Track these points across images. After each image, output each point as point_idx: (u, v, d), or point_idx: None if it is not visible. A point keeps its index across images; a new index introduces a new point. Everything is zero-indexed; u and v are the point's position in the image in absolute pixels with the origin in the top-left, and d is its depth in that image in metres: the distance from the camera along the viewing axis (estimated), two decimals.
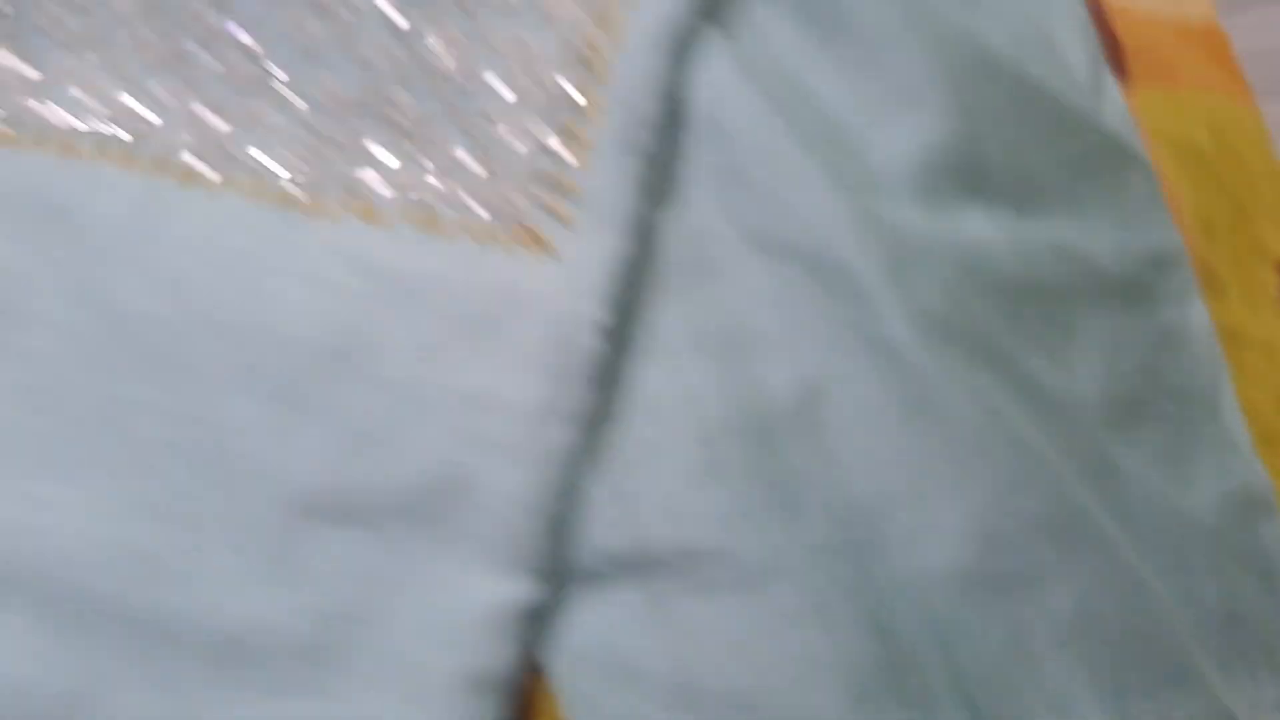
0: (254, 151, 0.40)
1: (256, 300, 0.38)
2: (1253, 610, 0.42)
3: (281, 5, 0.43)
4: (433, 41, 0.42)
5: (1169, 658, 0.39)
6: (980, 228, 0.45)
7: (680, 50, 0.43)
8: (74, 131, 0.41)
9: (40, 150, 0.41)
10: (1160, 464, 0.44)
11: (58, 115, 0.41)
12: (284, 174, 0.40)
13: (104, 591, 0.36)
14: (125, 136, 0.40)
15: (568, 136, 0.41)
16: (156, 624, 0.35)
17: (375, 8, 0.42)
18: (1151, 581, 0.40)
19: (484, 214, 0.40)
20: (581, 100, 0.41)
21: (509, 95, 0.41)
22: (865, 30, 0.46)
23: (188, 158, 0.41)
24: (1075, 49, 0.52)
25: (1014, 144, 0.48)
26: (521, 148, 0.41)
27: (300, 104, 0.41)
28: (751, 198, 0.42)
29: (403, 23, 0.42)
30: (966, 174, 0.45)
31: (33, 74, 0.41)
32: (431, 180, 0.40)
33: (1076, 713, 0.37)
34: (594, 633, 0.37)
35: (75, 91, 0.41)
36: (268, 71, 0.42)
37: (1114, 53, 0.57)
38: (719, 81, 0.43)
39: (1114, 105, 0.52)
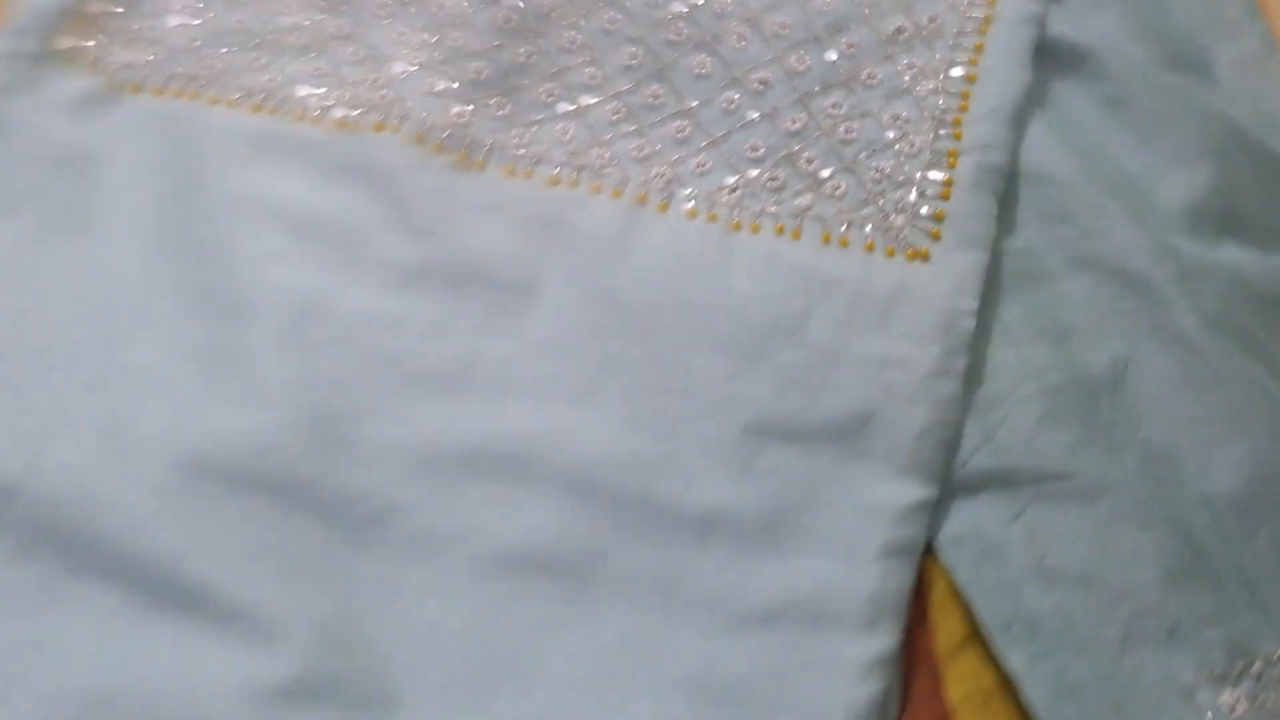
0: (691, 190, 0.55)
1: (713, 288, 0.52)
2: None
3: (717, 82, 0.58)
4: (829, 105, 0.57)
5: None
6: (1237, 257, 0.57)
7: (1014, 117, 0.56)
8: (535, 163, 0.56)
9: (485, 173, 0.56)
10: None
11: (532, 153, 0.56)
12: (719, 204, 0.55)
13: (613, 480, 0.49)
14: (598, 177, 0.56)
15: (939, 181, 0.55)
16: (650, 504, 0.48)
17: (785, 81, 0.57)
18: None
19: (871, 233, 0.54)
20: (949, 149, 0.55)
21: (892, 144, 0.55)
22: (1145, 109, 0.59)
23: (649, 193, 0.55)
24: None
25: (1258, 198, 0.60)
26: (901, 185, 0.55)
27: (734, 154, 0.56)
28: (1069, 228, 0.55)
29: (800, 93, 0.57)
30: (1224, 218, 0.58)
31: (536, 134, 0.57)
32: (830, 208, 0.55)
33: None
34: (969, 525, 0.49)
35: (558, 153, 0.57)
36: (708, 134, 0.57)
37: None
38: (1041, 143, 0.57)
39: None
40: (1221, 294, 0.55)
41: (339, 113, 0.57)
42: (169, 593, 0.45)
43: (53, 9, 0.58)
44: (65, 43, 0.58)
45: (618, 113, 0.57)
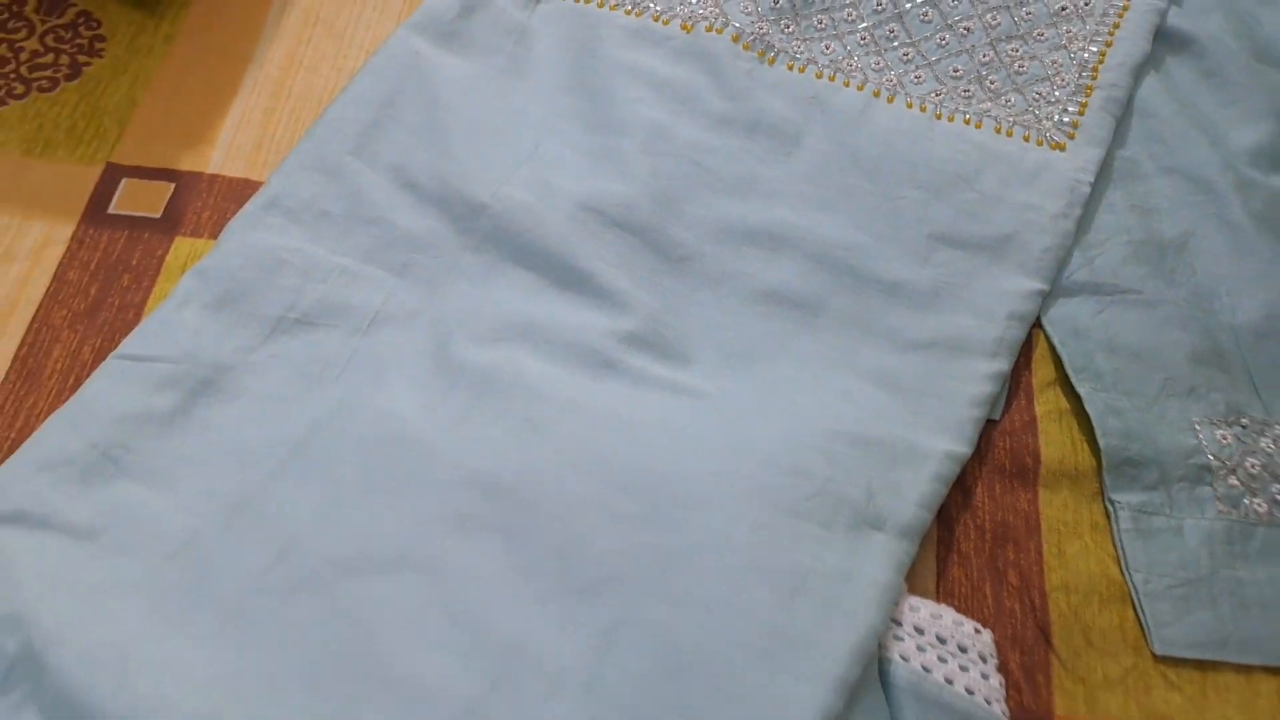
0: (910, 92, 0.69)
1: (919, 151, 0.66)
2: None
3: (936, 27, 0.74)
4: (1010, 49, 0.73)
5: None
6: None
7: (1135, 72, 0.71)
8: (808, 64, 0.72)
9: (775, 67, 0.72)
10: None
11: (806, 57, 0.72)
12: (928, 102, 0.71)
13: (838, 256, 0.62)
14: (848, 76, 0.71)
15: (1077, 101, 0.70)
16: (860, 273, 0.61)
17: (982, 30, 0.73)
18: None
19: (1028, 129, 0.70)
20: (1085, 86, 0.71)
21: (1050, 77, 0.71)
22: (1230, 80, 0.70)
23: (882, 90, 0.72)
24: None
25: None
26: (1053, 104, 0.71)
27: (942, 73, 0.73)
28: (1162, 146, 0.69)
29: (990, 39, 0.72)
30: (1278, 159, 0.71)
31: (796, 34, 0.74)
32: (1003, 113, 0.71)
33: None
34: (1067, 312, 0.62)
35: (823, 59, 0.72)
36: (925, 59, 0.73)
37: None
38: (1151, 91, 0.70)
39: None
40: (1265, 200, 0.66)
41: (685, 20, 0.72)
42: (568, 277, 0.60)
43: None
44: None
45: (864, 40, 0.73)
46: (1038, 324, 0.63)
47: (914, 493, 0.52)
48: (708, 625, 0.46)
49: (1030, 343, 0.62)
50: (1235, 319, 0.62)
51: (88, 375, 0.56)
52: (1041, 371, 0.61)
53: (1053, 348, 0.62)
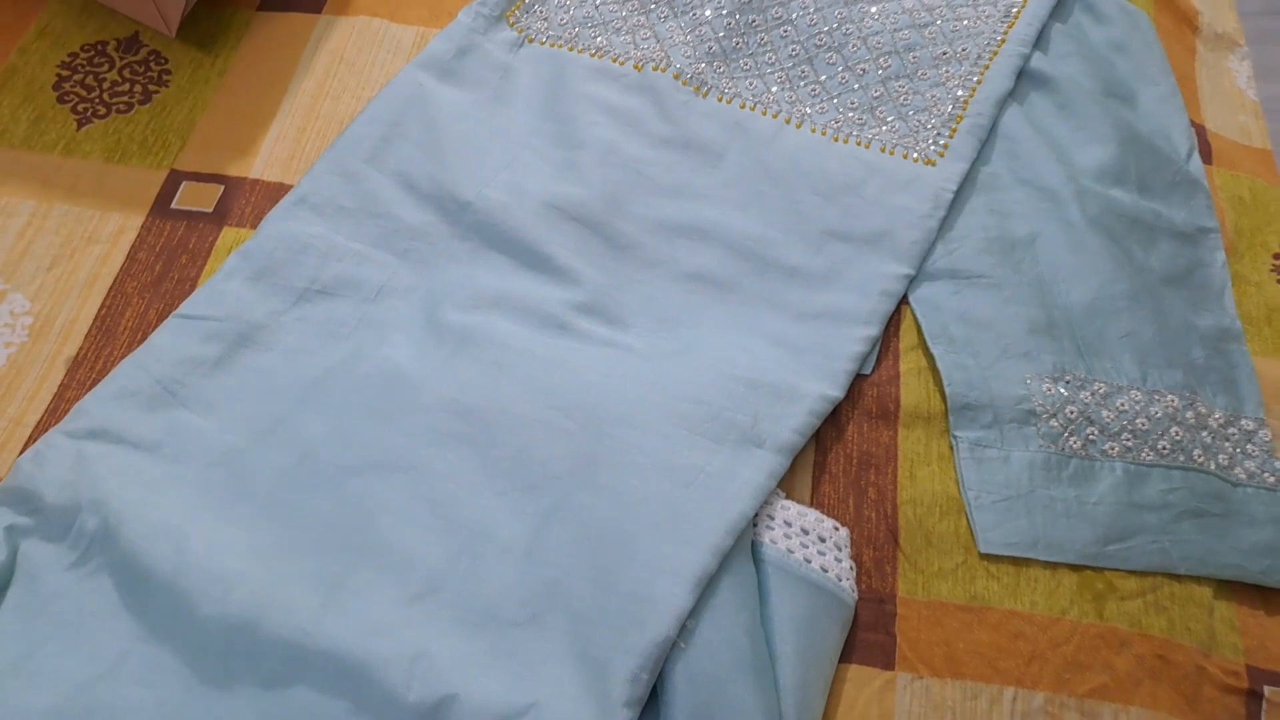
0: (815, 120, 0.79)
1: (817, 165, 0.77)
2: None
3: (838, 69, 0.86)
4: (898, 86, 0.84)
5: (1173, 357, 0.73)
6: (1119, 195, 0.78)
7: (999, 104, 0.83)
8: (734, 97, 0.84)
9: (707, 99, 0.84)
10: (1189, 304, 0.77)
11: (733, 92, 0.84)
12: (829, 128, 0.83)
13: (750, 246, 0.72)
14: (766, 107, 0.82)
15: (949, 127, 0.82)
16: (766, 260, 0.71)
17: (875, 71, 0.85)
18: (1173, 334, 0.74)
19: (908, 150, 0.81)
20: (956, 115, 0.82)
21: (929, 108, 0.83)
22: (1081, 112, 0.80)
23: (791, 118, 0.84)
24: (1182, 141, 0.83)
25: (1144, 170, 0.81)
26: (928, 130, 0.82)
27: (841, 105, 0.84)
28: (1018, 162, 0.79)
29: (882, 79, 0.84)
30: (1117, 176, 0.78)
31: (724, 71, 0.85)
32: (888, 137, 0.82)
33: (1115, 357, 0.71)
34: (930, 292, 0.71)
35: (747, 94, 0.84)
36: (829, 94, 0.85)
37: (1205, 149, 0.86)
38: (1012, 119, 0.81)
39: (1196, 166, 0.82)
40: (1100, 207, 0.76)
41: (637, 62, 0.84)
42: (534, 260, 0.71)
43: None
44: (507, 14, 0.89)
45: (781, 78, 0.85)
46: (906, 301, 0.72)
47: (791, 421, 0.63)
48: (620, 508, 0.57)
49: (899, 315, 0.72)
50: (1069, 300, 0.72)
51: (153, 331, 0.67)
52: (907, 338, 0.71)
53: (916, 319, 0.72)
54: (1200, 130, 0.88)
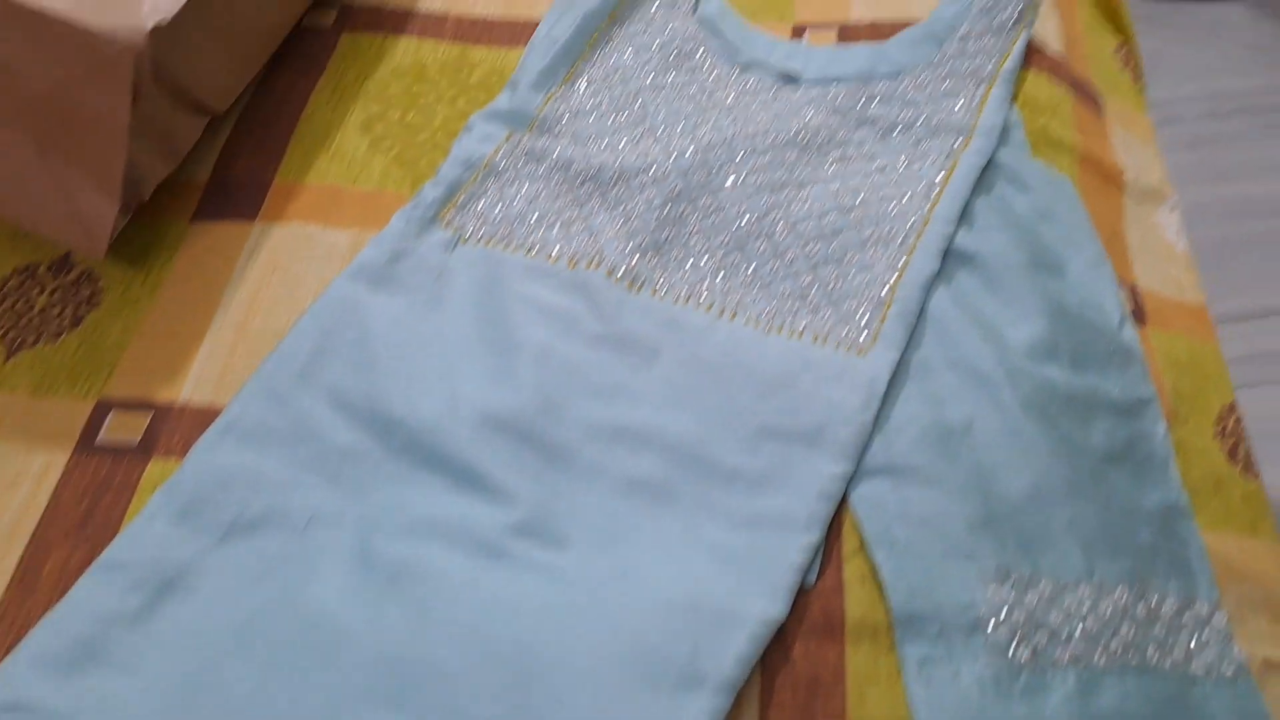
0: (749, 310, 0.79)
1: (752, 360, 0.77)
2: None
3: (768, 256, 0.86)
4: (827, 272, 0.84)
5: (1120, 542, 0.71)
6: (1053, 373, 0.78)
7: (926, 287, 0.83)
8: (667, 291, 0.84)
9: (641, 294, 0.84)
10: (1133, 482, 0.77)
11: (666, 285, 0.84)
12: (761, 319, 0.83)
13: (687, 449, 0.72)
14: (699, 300, 0.82)
15: (878, 313, 0.81)
16: (705, 462, 0.69)
17: (804, 259, 0.85)
18: (1119, 517, 0.73)
19: (840, 339, 0.81)
20: (885, 300, 0.82)
21: (857, 294, 0.82)
22: (1009, 287, 0.81)
23: (725, 309, 0.83)
24: (1114, 310, 0.83)
25: (1076, 344, 0.82)
26: (858, 317, 0.82)
27: (773, 294, 0.84)
28: (948, 344, 0.80)
29: (812, 264, 0.85)
30: (1049, 352, 0.78)
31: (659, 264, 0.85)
32: (820, 325, 0.82)
33: (1060, 549, 0.70)
34: (868, 489, 0.70)
35: (680, 286, 0.83)
36: (761, 282, 0.85)
37: (1139, 310, 0.87)
38: (940, 300, 0.81)
39: (1129, 334, 0.82)
40: (1034, 389, 0.75)
41: (570, 258, 0.84)
42: (468, 478, 0.69)
43: (438, 197, 0.85)
44: (440, 214, 0.90)
45: (713, 268, 0.85)
46: (847, 500, 0.71)
47: (733, 649, 0.61)
48: None
49: (840, 516, 0.71)
50: (1009, 490, 0.71)
51: (75, 581, 0.65)
52: (849, 541, 0.70)
53: (857, 522, 0.70)
54: (1133, 290, 0.89)
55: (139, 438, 0.74)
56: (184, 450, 0.73)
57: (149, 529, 0.67)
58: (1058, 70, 1.00)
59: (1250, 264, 2.02)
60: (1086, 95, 1.02)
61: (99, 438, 0.74)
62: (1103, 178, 0.96)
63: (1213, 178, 2.17)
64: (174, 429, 0.74)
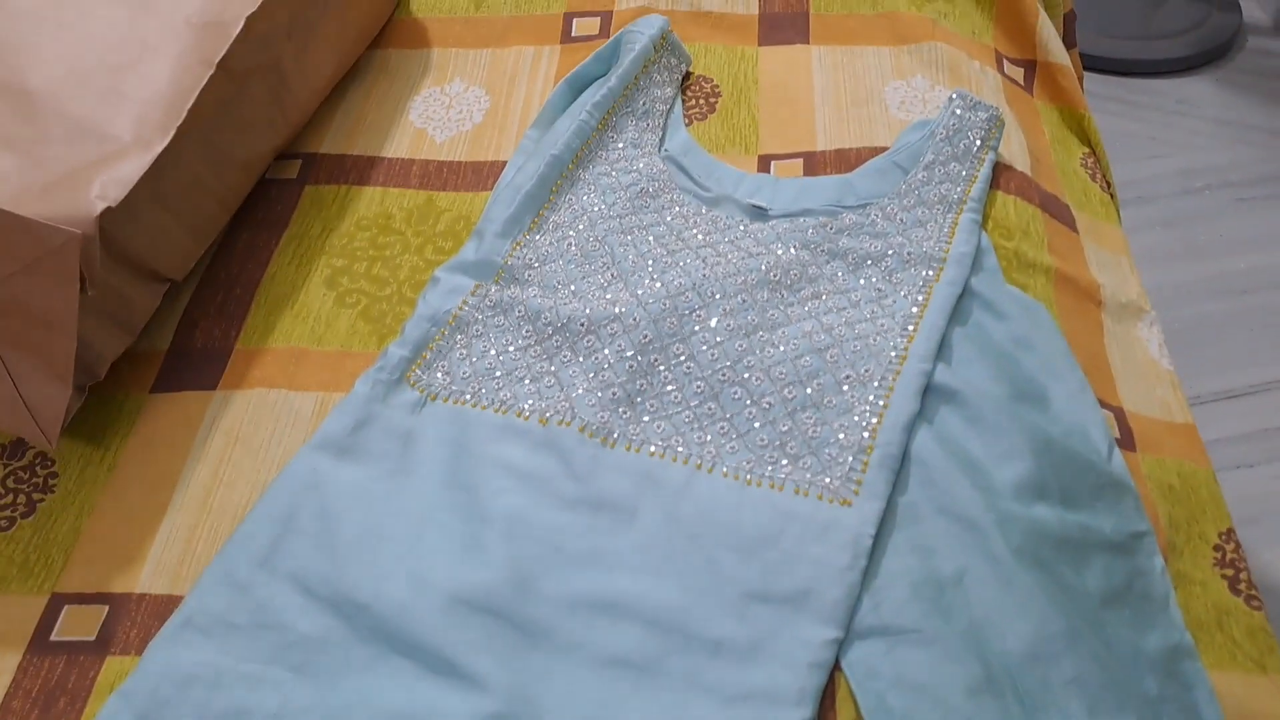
0: (726, 462, 0.78)
1: (731, 516, 0.75)
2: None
3: (743, 402, 0.85)
4: (805, 417, 0.83)
5: (1125, 695, 0.69)
6: (1043, 513, 0.77)
7: (908, 429, 0.81)
8: (642, 444, 0.82)
9: (615, 450, 0.83)
10: (1134, 625, 0.75)
11: (640, 439, 0.82)
12: (740, 471, 0.80)
13: (669, 619, 0.69)
14: (674, 453, 0.81)
15: (860, 460, 0.80)
16: (689, 633, 0.68)
17: (781, 404, 0.84)
18: (1121, 666, 0.71)
19: (821, 490, 0.79)
20: (866, 446, 0.80)
21: (838, 440, 0.81)
22: (992, 424, 0.79)
23: (702, 462, 0.81)
24: (1101, 440, 0.81)
25: (1065, 480, 0.80)
26: (840, 465, 0.80)
27: (751, 443, 0.82)
28: (935, 490, 0.77)
29: (789, 410, 0.83)
30: (1037, 490, 0.76)
31: (644, 424, 0.84)
32: (800, 475, 0.80)
33: (1063, 709, 0.67)
34: (861, 654, 0.68)
35: (655, 439, 0.82)
36: (738, 432, 0.83)
37: (1126, 436, 0.86)
38: (923, 441, 0.79)
39: (1119, 464, 0.81)
40: (1025, 534, 0.73)
41: (541, 415, 0.82)
42: (438, 665, 0.67)
43: (404, 357, 0.84)
44: (406, 374, 0.88)
45: (689, 419, 0.83)
46: (839, 666, 0.69)
47: None
48: None
49: (833, 684, 0.68)
50: (1005, 646, 0.68)
51: None
52: (844, 711, 0.67)
53: (851, 690, 0.67)
54: (1119, 414, 0.88)
55: (95, 634, 0.71)
56: (141, 645, 0.70)
57: None
58: (1026, 189, 1.00)
59: (1233, 341, 2.03)
60: (1058, 212, 1.03)
61: (53, 635, 0.71)
62: (1080, 296, 0.96)
63: (1188, 255, 2.18)
64: (131, 622, 0.72)
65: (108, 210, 0.71)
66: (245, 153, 0.92)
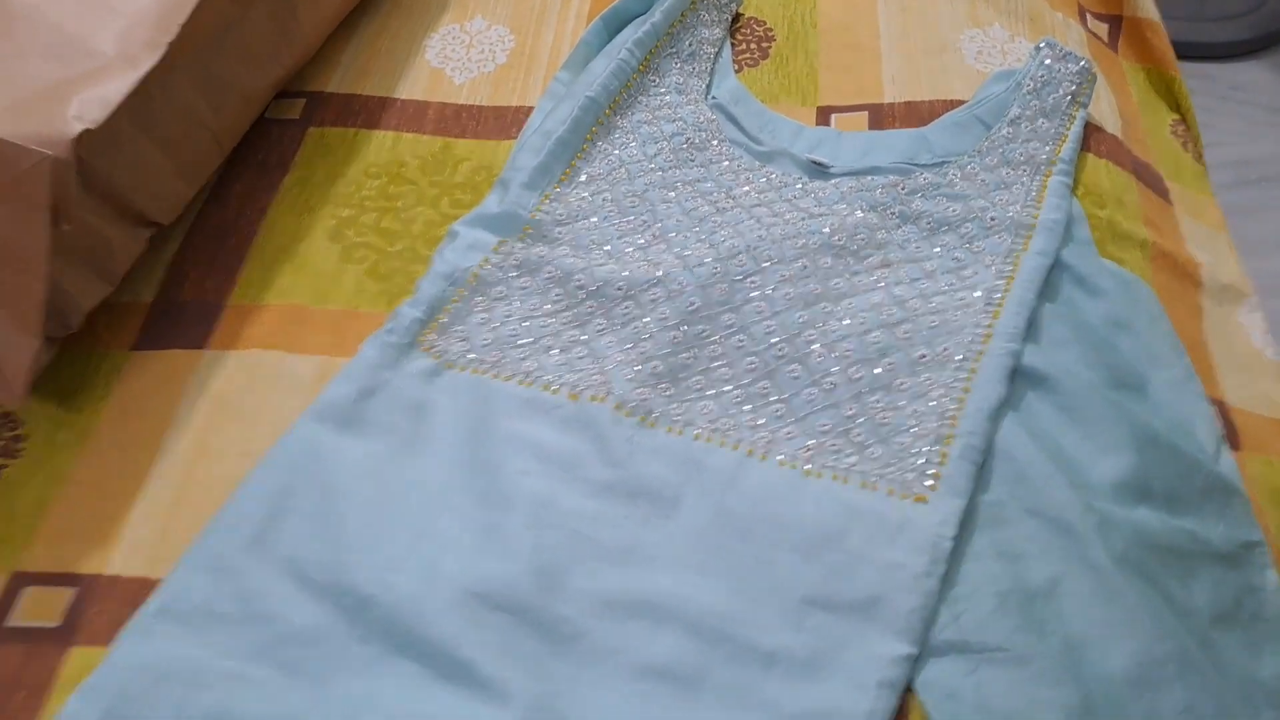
0: (782, 449, 0.72)
1: (789, 511, 0.69)
2: None
3: (803, 383, 0.78)
4: (874, 400, 0.76)
5: None
6: (1146, 516, 0.71)
7: (994, 417, 0.74)
8: (686, 426, 0.75)
9: (655, 431, 0.76)
10: (1246, 648, 0.68)
11: (684, 419, 0.75)
12: (798, 459, 0.73)
13: (715, 625, 0.63)
14: (724, 436, 0.74)
15: (938, 451, 0.72)
16: (738, 642, 0.62)
17: (846, 384, 0.76)
18: (1235, 697, 0.64)
19: (892, 483, 0.72)
20: (944, 435, 0.73)
21: (911, 428, 0.74)
22: (1087, 415, 0.73)
23: (755, 448, 0.74)
24: (1208, 436, 0.75)
25: (1169, 479, 0.73)
26: (914, 456, 0.73)
27: (810, 428, 0.75)
28: (1025, 488, 0.71)
29: (855, 392, 0.76)
30: (1139, 491, 0.70)
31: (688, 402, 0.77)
32: (868, 466, 0.73)
33: None
34: (938, 675, 0.62)
35: (701, 420, 0.75)
36: (795, 415, 0.76)
37: (1229, 433, 0.79)
38: (1011, 433, 0.73)
39: (1227, 464, 0.75)
40: (1127, 540, 0.67)
41: (572, 389, 0.75)
42: (451, 668, 0.61)
43: (417, 319, 0.78)
44: (419, 338, 0.81)
45: (739, 398, 0.76)
46: (912, 688, 0.63)
47: None
48: None
49: (905, 707, 0.62)
50: (1107, 668, 0.63)
51: None
52: None
53: (927, 715, 0.61)
54: (1221, 408, 0.81)
55: (59, 620, 0.66)
56: (111, 635, 0.64)
57: None
58: (1118, 153, 0.93)
59: None
60: (1151, 181, 0.96)
61: (11, 619, 0.65)
62: (1177, 275, 0.89)
63: (1245, 252, 2.09)
64: (100, 608, 0.66)
65: (86, 134, 0.64)
66: (244, 85, 0.86)
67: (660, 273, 0.79)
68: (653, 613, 0.64)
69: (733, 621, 0.64)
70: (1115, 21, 1.13)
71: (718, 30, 0.99)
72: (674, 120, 0.90)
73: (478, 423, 0.73)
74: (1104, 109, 0.96)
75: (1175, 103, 1.13)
